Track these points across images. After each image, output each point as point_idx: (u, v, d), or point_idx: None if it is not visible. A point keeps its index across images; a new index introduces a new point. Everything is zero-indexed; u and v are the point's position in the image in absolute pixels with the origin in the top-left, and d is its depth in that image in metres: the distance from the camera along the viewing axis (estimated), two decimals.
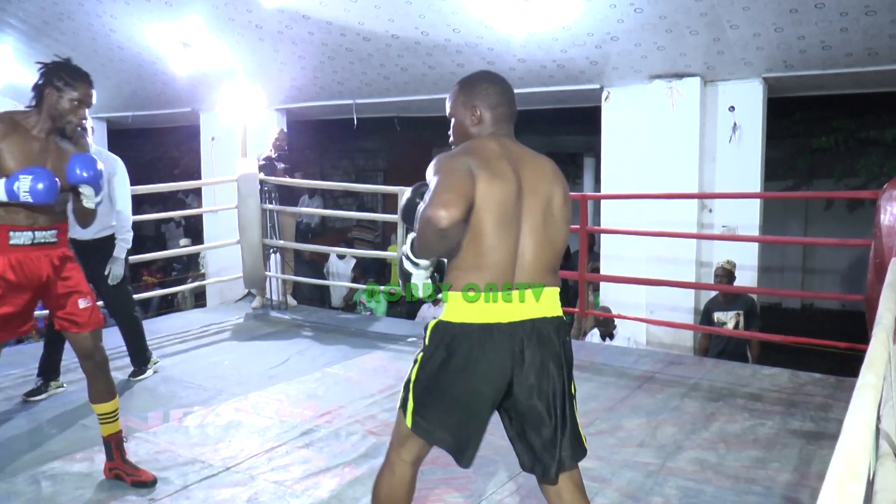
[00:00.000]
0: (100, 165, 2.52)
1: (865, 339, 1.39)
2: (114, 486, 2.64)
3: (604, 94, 6.17)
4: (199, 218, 9.04)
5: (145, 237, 11.90)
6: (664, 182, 5.67)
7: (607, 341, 5.57)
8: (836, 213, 9.52)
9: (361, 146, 11.60)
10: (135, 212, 4.03)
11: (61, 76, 2.44)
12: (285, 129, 6.67)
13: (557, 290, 1.79)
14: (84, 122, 2.55)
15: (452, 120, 1.89)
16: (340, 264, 8.01)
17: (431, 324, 1.76)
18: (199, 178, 8.21)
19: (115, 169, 3.76)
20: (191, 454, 2.95)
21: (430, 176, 1.67)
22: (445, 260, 1.80)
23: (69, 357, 3.74)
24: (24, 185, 2.31)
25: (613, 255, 6.22)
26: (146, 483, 2.63)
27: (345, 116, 7.57)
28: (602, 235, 6.56)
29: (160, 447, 3.02)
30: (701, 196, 5.80)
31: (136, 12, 6.46)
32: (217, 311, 6.07)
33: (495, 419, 1.84)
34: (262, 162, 5.90)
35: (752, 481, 2.70)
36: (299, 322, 5.53)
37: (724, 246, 5.69)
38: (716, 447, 3.02)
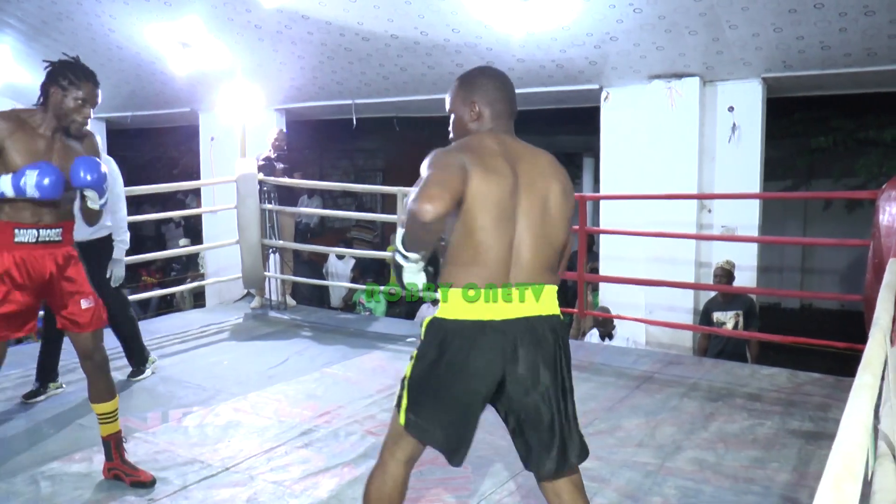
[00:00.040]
0: (104, 168, 2.52)
1: (864, 339, 1.39)
2: (112, 487, 2.64)
3: (603, 95, 6.17)
4: (198, 218, 9.04)
5: (145, 237, 11.90)
6: (663, 182, 5.67)
7: (606, 341, 5.58)
8: (835, 214, 9.53)
9: (360, 146, 11.60)
10: (135, 212, 4.04)
11: (66, 75, 2.44)
12: (284, 129, 6.67)
13: (555, 288, 1.77)
14: (89, 120, 2.54)
15: (452, 116, 1.88)
16: (339, 264, 8.01)
17: (426, 321, 1.76)
18: (198, 178, 8.20)
19: (108, 170, 3.75)
20: (190, 454, 2.95)
21: (423, 170, 1.67)
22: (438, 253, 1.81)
23: (68, 357, 3.75)
24: (31, 180, 2.31)
25: (612, 256, 6.22)
26: (145, 483, 2.63)
27: (344, 116, 7.57)
28: (601, 235, 6.56)
29: (159, 447, 3.02)
30: (700, 196, 5.81)
31: (135, 12, 6.46)
32: (216, 312, 6.07)
33: (496, 419, 1.84)
34: (262, 162, 5.90)
35: (751, 481, 2.70)
36: (298, 322, 5.53)
37: (724, 246, 5.69)
38: (715, 447, 3.02)
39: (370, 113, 7.71)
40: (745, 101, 5.71)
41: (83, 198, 2.56)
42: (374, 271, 8.28)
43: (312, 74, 6.95)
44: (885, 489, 0.89)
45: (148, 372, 4.05)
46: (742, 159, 5.74)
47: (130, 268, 4.23)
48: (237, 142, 6.21)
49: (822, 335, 4.37)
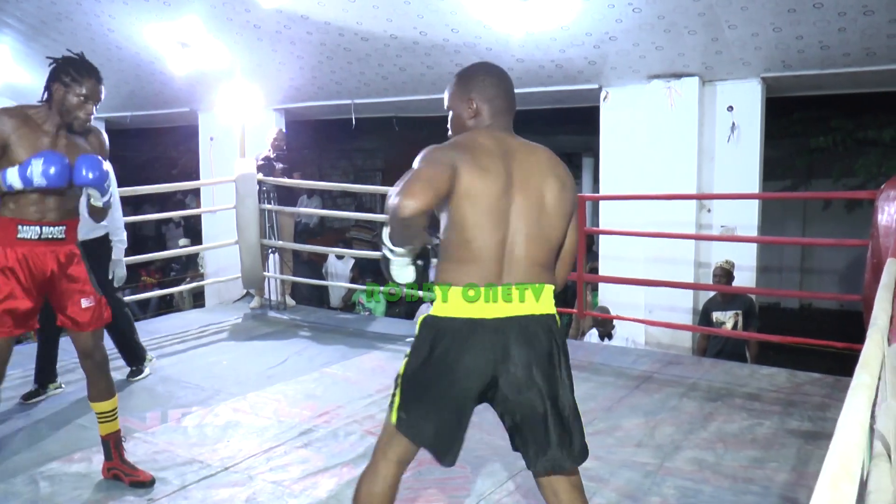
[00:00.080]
0: (106, 166, 2.52)
1: (863, 340, 1.39)
2: (112, 487, 2.64)
3: (602, 94, 6.17)
4: (198, 218, 9.04)
5: (146, 237, 11.90)
6: (662, 182, 5.67)
7: (606, 341, 5.58)
8: (835, 214, 9.53)
9: (360, 146, 11.60)
10: (136, 212, 4.04)
11: (69, 71, 2.44)
12: (283, 129, 6.67)
13: (552, 287, 1.75)
14: (92, 117, 2.54)
15: (450, 113, 1.87)
16: (339, 264, 8.01)
17: (420, 318, 1.75)
18: (197, 178, 8.20)
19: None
20: (189, 454, 2.96)
21: (414, 165, 1.67)
22: (430, 247, 1.80)
23: (67, 357, 3.75)
24: (37, 169, 2.32)
25: (612, 256, 6.22)
26: (144, 483, 2.64)
27: (343, 116, 7.57)
28: (600, 235, 6.57)
29: (158, 447, 3.02)
30: (699, 197, 5.81)
31: (135, 12, 6.46)
32: (215, 312, 6.07)
33: (495, 419, 1.84)
34: (261, 162, 5.90)
35: (750, 481, 2.70)
36: (298, 322, 5.53)
37: (723, 246, 5.69)
38: (714, 447, 3.02)
39: (369, 113, 7.71)
40: (744, 101, 5.71)
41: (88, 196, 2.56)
42: (373, 271, 8.27)
43: (311, 74, 6.95)
44: (880, 489, 0.89)
45: (146, 370, 4.04)
46: (741, 159, 5.74)
47: (130, 268, 4.24)
48: (236, 142, 6.21)
49: (822, 335, 4.37)
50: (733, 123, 5.73)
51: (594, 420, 3.32)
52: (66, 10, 6.64)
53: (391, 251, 1.73)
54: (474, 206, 1.65)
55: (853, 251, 8.29)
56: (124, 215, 4.09)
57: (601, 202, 6.68)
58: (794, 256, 10.51)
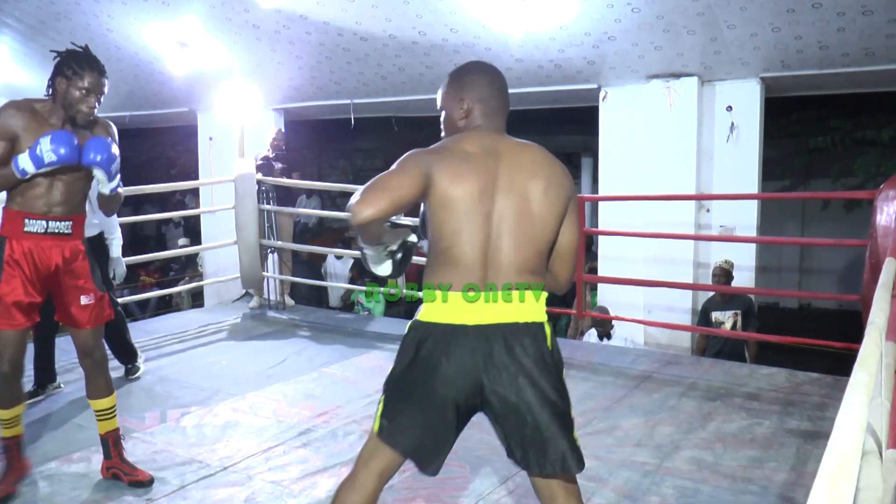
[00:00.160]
0: (115, 149, 2.51)
1: (862, 339, 1.40)
2: (111, 487, 2.64)
3: (601, 94, 6.17)
4: (197, 218, 9.04)
5: (147, 237, 11.90)
6: (662, 182, 5.68)
7: (605, 341, 5.57)
8: (833, 214, 9.54)
9: (359, 146, 11.60)
10: (137, 212, 4.04)
11: (71, 65, 2.44)
12: (283, 129, 6.67)
13: (539, 291, 1.68)
14: (95, 110, 2.52)
15: (442, 113, 1.83)
16: (338, 264, 8.01)
17: (410, 323, 1.73)
18: (195, 177, 8.20)
19: None
20: (188, 454, 2.95)
21: (390, 168, 1.65)
22: (413, 241, 1.79)
23: (66, 357, 3.75)
24: (46, 146, 2.32)
25: (611, 256, 6.23)
26: (143, 483, 2.64)
27: (342, 116, 7.57)
28: (599, 236, 6.57)
29: (157, 447, 3.02)
30: (698, 197, 5.82)
31: (133, 12, 6.46)
32: (214, 312, 6.07)
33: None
34: (260, 162, 5.90)
35: (749, 481, 2.70)
36: (297, 322, 5.53)
37: (722, 246, 5.70)
38: (713, 447, 3.02)
39: (368, 113, 7.71)
40: (743, 101, 5.71)
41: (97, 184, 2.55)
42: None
43: (311, 74, 6.95)
44: (870, 486, 0.89)
45: (141, 367, 4.03)
46: (740, 159, 5.75)
47: (130, 268, 4.23)
48: (235, 142, 6.21)
49: (821, 335, 4.37)
50: (732, 123, 5.74)
51: (593, 420, 3.32)
52: (65, 9, 6.64)
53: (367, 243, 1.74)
54: (451, 213, 1.63)
55: (852, 251, 8.30)
56: (124, 215, 4.09)
57: (600, 202, 6.68)
58: (793, 256, 10.52)
